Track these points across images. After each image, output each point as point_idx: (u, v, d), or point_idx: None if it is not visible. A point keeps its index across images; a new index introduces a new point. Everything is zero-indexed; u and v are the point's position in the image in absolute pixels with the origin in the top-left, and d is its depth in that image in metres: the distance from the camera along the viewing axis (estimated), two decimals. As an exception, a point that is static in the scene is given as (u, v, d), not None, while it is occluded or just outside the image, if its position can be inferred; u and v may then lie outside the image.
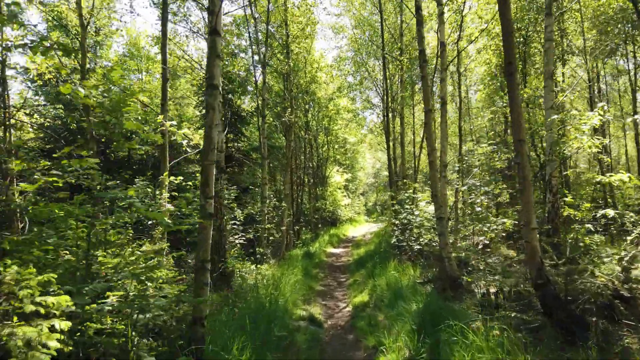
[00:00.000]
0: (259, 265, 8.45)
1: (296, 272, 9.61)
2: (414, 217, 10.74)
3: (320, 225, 21.30)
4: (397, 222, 10.68)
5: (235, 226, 9.37)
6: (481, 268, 7.61)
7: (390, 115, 13.38)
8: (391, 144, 13.66)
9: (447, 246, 6.88)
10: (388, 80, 13.52)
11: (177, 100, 16.40)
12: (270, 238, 13.59)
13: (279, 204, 11.65)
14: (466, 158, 9.63)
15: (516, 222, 7.26)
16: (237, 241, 8.82)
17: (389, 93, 13.26)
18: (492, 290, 6.63)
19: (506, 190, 8.30)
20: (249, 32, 11.01)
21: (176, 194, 7.45)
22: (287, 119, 11.48)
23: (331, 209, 23.54)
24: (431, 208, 10.99)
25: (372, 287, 8.55)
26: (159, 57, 11.63)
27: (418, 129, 24.49)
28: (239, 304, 6.10)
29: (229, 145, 15.78)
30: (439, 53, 9.44)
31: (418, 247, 10.43)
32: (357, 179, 33.19)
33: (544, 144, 8.92)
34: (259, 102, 9.95)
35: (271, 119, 16.62)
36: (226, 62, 15.53)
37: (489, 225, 7.21)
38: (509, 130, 13.11)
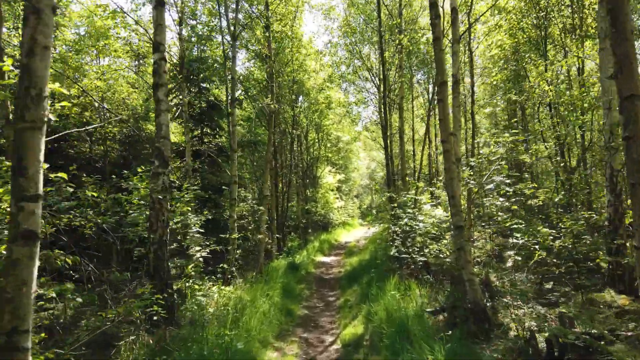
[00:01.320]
0: (223, 288, 6.56)
1: (273, 293, 7.73)
2: (417, 223, 8.92)
3: (310, 230, 19.43)
4: (397, 229, 8.86)
5: (198, 235, 7.49)
6: (511, 292, 5.80)
7: (387, 107, 11.60)
8: (388, 141, 11.89)
9: (469, 265, 5.07)
10: (386, 65, 11.73)
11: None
12: (252, 247, 11.72)
13: (258, 207, 9.80)
14: (481, 152, 7.83)
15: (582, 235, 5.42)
16: (198, 255, 6.92)
17: (386, 77, 11.47)
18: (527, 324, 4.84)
19: (534, 189, 6.49)
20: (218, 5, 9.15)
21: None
22: (265, 106, 9.62)
23: (322, 212, 21.68)
24: (438, 212, 9.19)
25: (368, 313, 6.71)
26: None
27: (418, 127, 22.75)
28: (177, 355, 4.21)
29: (204, 140, 13.89)
30: (450, 21, 7.68)
31: (422, 259, 8.63)
32: (350, 180, 31.38)
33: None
34: (228, 82, 8.10)
35: (251, 110, 14.78)
36: (203, 47, 13.69)
37: (531, 236, 5.39)
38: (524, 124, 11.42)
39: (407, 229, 8.66)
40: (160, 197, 5.28)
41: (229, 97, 8.16)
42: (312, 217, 20.09)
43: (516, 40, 10.98)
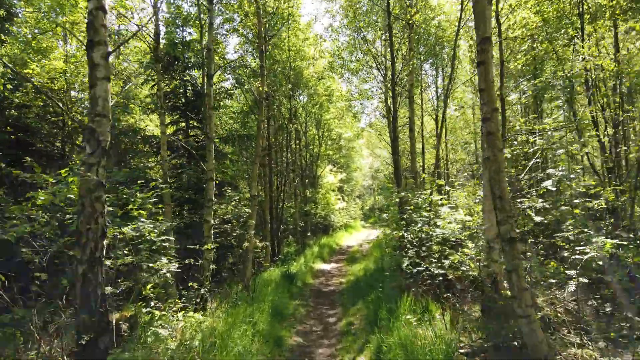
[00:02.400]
0: (192, 315, 5.08)
1: (259, 316, 6.24)
2: (434, 229, 7.42)
3: (309, 234, 17.94)
4: (409, 235, 7.36)
5: (166, 244, 6.01)
6: (573, 325, 4.30)
7: (395, 93, 10.10)
8: (396, 133, 10.39)
9: (525, 294, 3.57)
10: (394, 46, 10.23)
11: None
12: (242, 255, 10.22)
13: (245, 210, 8.29)
14: (514, 143, 6.31)
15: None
16: (164, 270, 5.43)
17: (394, 59, 9.97)
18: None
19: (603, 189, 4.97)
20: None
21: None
22: (254, 90, 8.15)
23: (323, 214, 20.19)
24: (458, 216, 7.68)
25: (378, 348, 5.22)
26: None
27: (426, 124, 21.12)
28: None
29: (190, 133, 12.42)
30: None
31: (440, 271, 7.14)
32: (353, 179, 29.86)
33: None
34: (204, 53, 6.63)
35: (244, 101, 13.31)
36: (189, 31, 12.23)
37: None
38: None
39: (423, 235, 7.16)
40: (93, 196, 3.80)
41: (203, 70, 6.70)
42: (312, 219, 18.60)
43: (545, 16, 9.47)
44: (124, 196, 4.79)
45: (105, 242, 3.96)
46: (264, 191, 12.11)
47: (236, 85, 12.94)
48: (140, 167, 12.06)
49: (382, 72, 13.44)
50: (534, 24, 9.70)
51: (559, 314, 4.85)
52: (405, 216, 7.43)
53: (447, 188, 9.17)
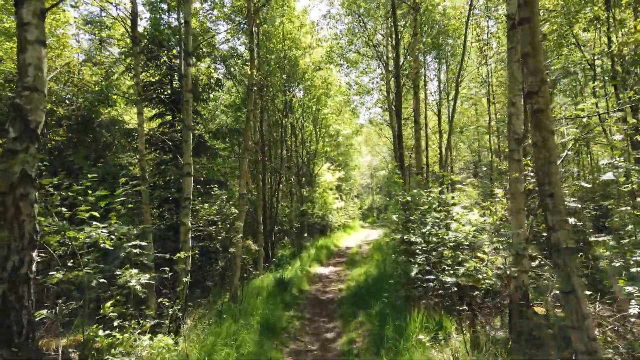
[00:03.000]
0: (157, 339, 4.17)
1: (246, 335, 5.34)
2: (445, 232, 6.53)
3: (306, 235, 17.03)
4: (417, 239, 6.46)
5: (136, 250, 5.10)
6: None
7: (400, 80, 9.21)
8: (395, 124, 9.54)
9: (587, 323, 2.67)
10: (398, 27, 9.33)
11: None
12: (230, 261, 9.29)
13: (230, 209, 7.35)
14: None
15: None
16: (133, 282, 4.51)
17: (399, 41, 9.06)
18: None
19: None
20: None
21: None
22: (242, 75, 7.23)
23: (320, 213, 19.27)
24: (472, 216, 6.79)
25: (387, 378, 4.34)
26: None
27: (428, 120, 20.29)
28: None
29: (177, 127, 11.47)
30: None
31: (452, 279, 6.27)
32: (351, 178, 28.97)
33: None
34: (180, 28, 5.69)
35: (236, 93, 12.39)
36: (174, 16, 11.28)
37: None
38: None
39: (434, 239, 6.27)
40: (17, 194, 2.89)
41: (182, 50, 5.80)
42: (309, 219, 17.69)
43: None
44: (71, 194, 3.85)
45: (34, 253, 3.03)
46: (256, 190, 11.19)
47: (227, 76, 12.01)
48: (122, 164, 11.11)
49: (383, 62, 12.56)
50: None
51: (608, 337, 3.97)
52: (413, 217, 6.53)
53: (456, 186, 8.28)
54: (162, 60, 10.90)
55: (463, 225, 6.35)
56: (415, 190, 5.85)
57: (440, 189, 6.87)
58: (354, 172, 30.66)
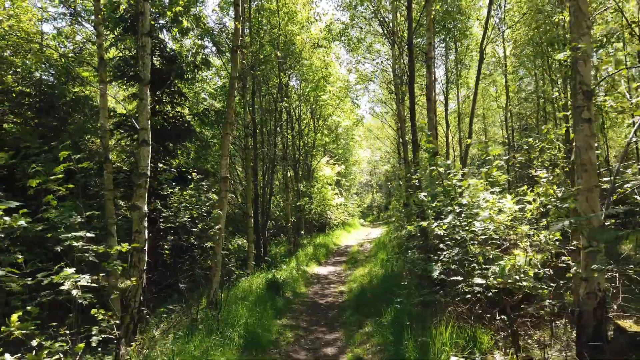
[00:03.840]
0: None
1: (221, 353, 4.06)
2: (471, 224, 5.28)
3: (303, 232, 15.76)
4: (439, 231, 5.19)
5: (80, 245, 3.83)
6: None
7: (411, 47, 7.94)
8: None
9: None
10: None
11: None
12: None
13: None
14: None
15: None
16: (67, 285, 3.25)
17: (410, 2, 7.79)
18: None
19: None
20: None
21: None
22: (226, 37, 5.94)
23: (319, 210, 18.01)
24: (507, 204, 5.54)
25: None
26: None
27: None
28: None
29: (156, 108, 10.19)
30: None
31: (483, 281, 5.04)
32: (351, 173, 27.70)
33: None
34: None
35: (227, 75, 11.12)
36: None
37: None
38: None
39: (461, 232, 5.01)
40: None
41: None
42: (306, 215, 16.42)
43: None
44: None
45: None
46: (247, 180, 9.90)
47: (215, 53, 10.73)
48: (93, 150, 9.83)
49: (390, 38, 11.29)
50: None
51: None
52: (435, 204, 5.26)
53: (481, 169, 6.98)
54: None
55: (497, 213, 5.10)
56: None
57: (464, 170, 5.60)
58: (355, 167, 29.42)
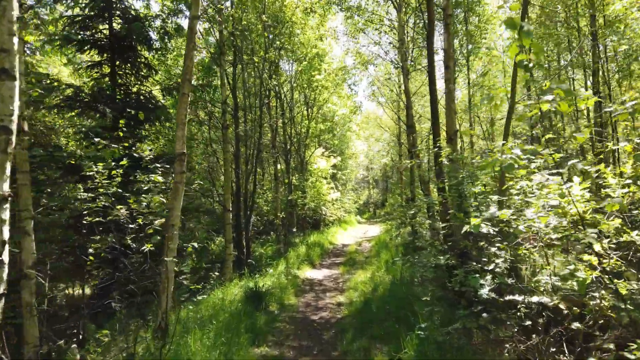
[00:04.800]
0: None
1: None
2: (519, 220, 3.70)
3: (295, 230, 14.14)
4: (487, 230, 3.57)
5: None
6: None
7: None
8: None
9: None
10: None
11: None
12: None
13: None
14: None
15: None
16: None
17: None
18: None
19: None
20: None
21: None
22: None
23: (312, 205, 16.39)
24: (574, 190, 3.95)
25: None
26: None
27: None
28: None
29: (118, 81, 8.49)
30: None
31: (547, 300, 3.49)
32: (348, 167, 26.09)
33: None
34: None
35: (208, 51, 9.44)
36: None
37: None
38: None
39: (519, 228, 3.44)
40: None
41: None
42: (298, 211, 14.79)
43: None
44: None
45: None
46: (225, 166, 8.22)
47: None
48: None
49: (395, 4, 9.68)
50: None
51: None
52: (476, 192, 3.66)
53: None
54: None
55: (568, 203, 3.53)
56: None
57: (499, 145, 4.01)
58: (351, 161, 27.82)
